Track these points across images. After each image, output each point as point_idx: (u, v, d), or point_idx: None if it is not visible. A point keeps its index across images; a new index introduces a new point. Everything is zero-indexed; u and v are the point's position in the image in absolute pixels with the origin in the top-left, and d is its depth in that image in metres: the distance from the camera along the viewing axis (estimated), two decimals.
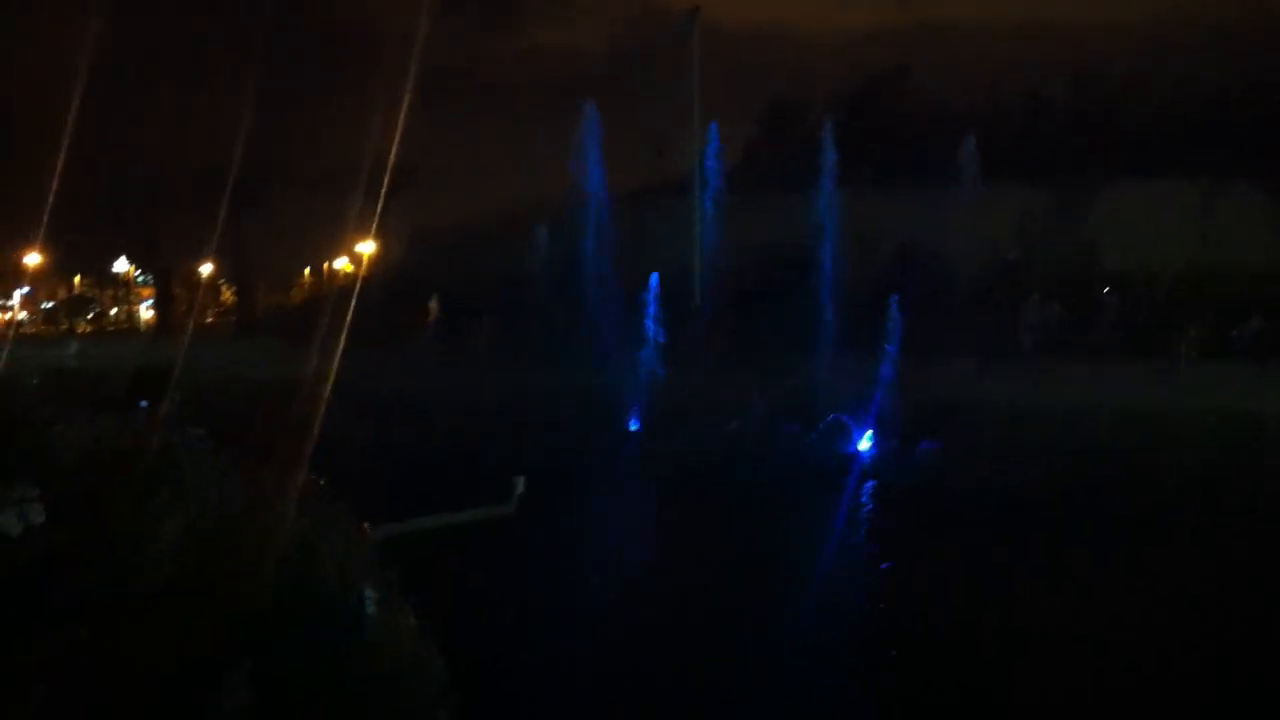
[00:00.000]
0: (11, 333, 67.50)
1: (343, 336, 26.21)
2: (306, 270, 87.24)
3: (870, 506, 22.84)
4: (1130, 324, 36.26)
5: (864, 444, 27.41)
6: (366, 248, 65.02)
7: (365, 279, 57.00)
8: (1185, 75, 52.25)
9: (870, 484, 24.55)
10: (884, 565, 17.81)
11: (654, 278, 36.41)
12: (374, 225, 58.82)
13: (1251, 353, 33.15)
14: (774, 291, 39.28)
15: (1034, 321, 36.93)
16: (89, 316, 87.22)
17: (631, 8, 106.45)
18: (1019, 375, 32.84)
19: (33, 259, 68.53)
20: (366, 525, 12.74)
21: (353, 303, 33.60)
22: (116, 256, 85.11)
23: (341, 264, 75.29)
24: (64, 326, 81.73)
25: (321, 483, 15.76)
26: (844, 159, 41.14)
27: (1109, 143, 46.49)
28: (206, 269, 72.79)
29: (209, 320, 78.56)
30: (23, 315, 78.04)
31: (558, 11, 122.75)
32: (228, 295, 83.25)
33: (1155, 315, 36.41)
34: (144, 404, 22.62)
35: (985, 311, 36.27)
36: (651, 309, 36.20)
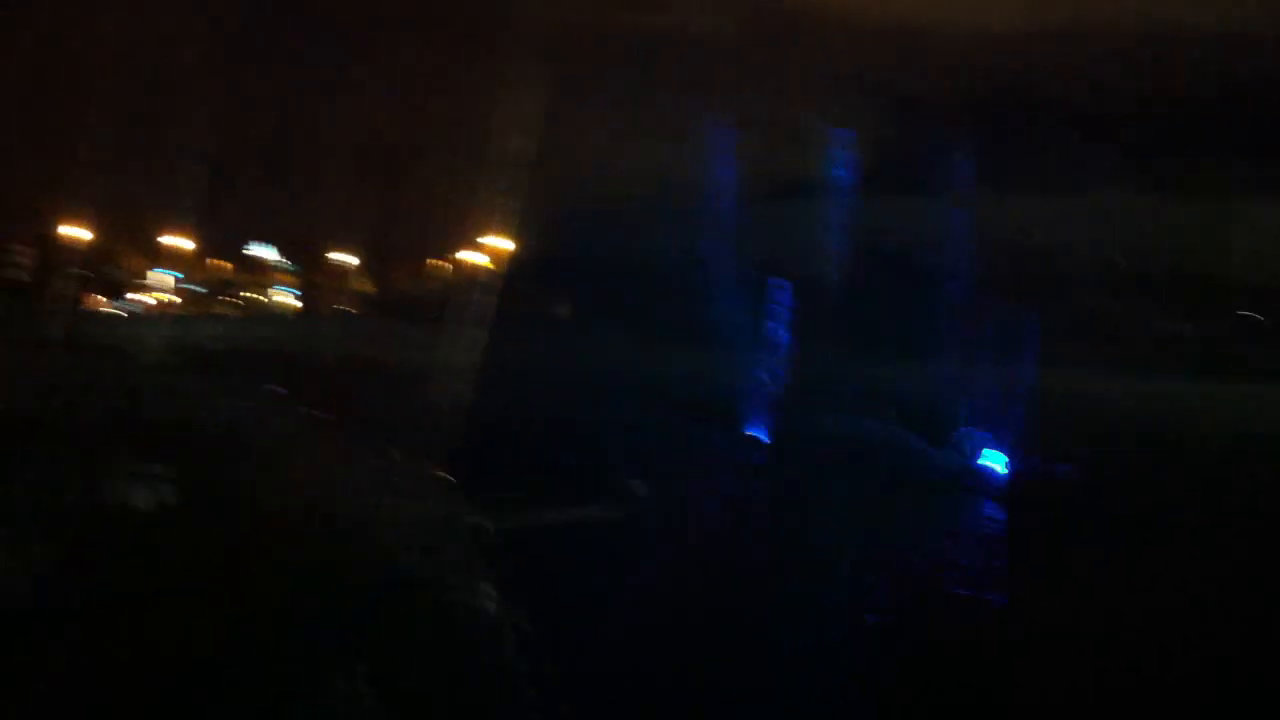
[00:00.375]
0: (159, 313, 69.77)
1: (472, 322, 26.40)
2: (440, 256, 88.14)
3: (989, 531, 22.19)
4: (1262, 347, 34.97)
5: (991, 460, 26.71)
6: (496, 236, 65.47)
7: (496, 266, 57.53)
8: None
9: (993, 502, 23.87)
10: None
11: (773, 282, 36.06)
12: (504, 213, 59.29)
13: None
14: (900, 295, 38.68)
15: (1174, 337, 35.81)
16: (231, 299, 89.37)
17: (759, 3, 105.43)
18: (1158, 394, 31.85)
19: (181, 243, 70.67)
20: (473, 519, 12.74)
21: (483, 289, 33.89)
22: (259, 241, 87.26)
23: (472, 252, 75.99)
24: (207, 308, 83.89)
25: (439, 472, 15.89)
26: (975, 162, 40.31)
27: (1255, 153, 44.79)
28: (344, 255, 74.31)
29: (344, 305, 79.98)
30: (170, 297, 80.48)
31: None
32: (363, 281, 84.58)
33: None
34: (270, 386, 23.01)
35: (1123, 324, 35.27)
36: (772, 309, 35.87)
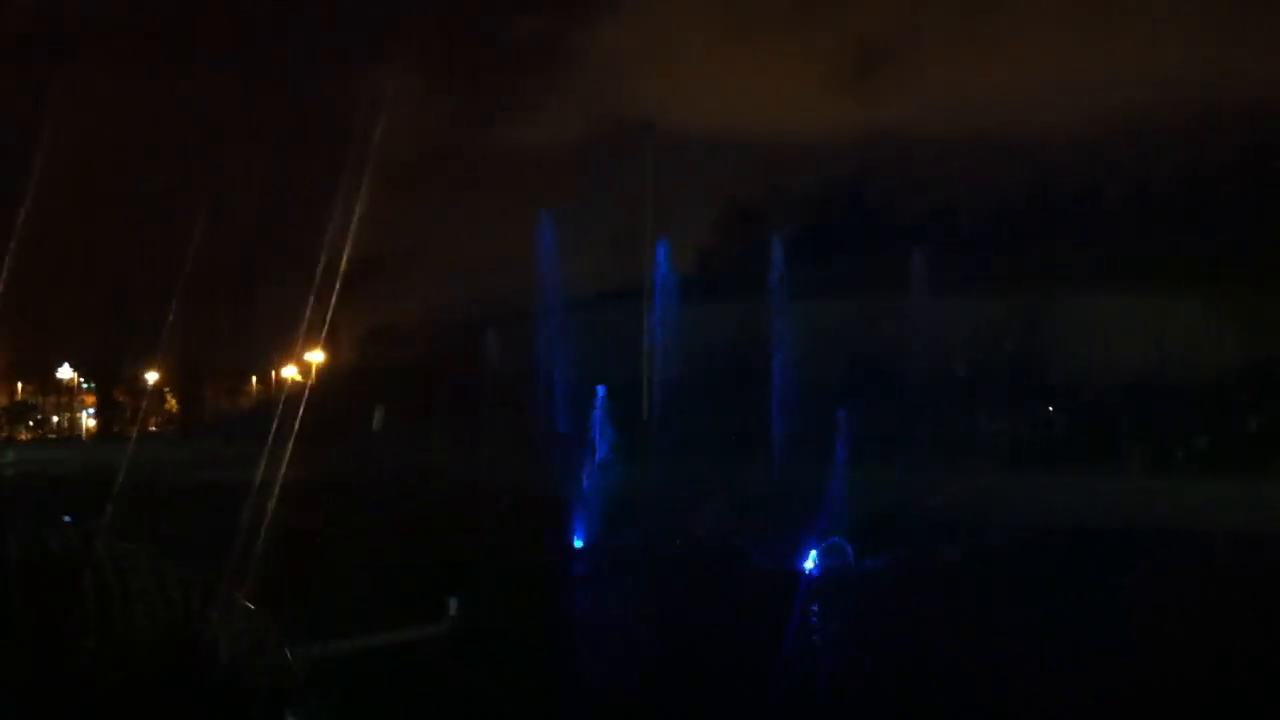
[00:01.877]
0: None
1: (289, 440, 25.62)
2: (254, 378, 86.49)
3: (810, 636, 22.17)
4: (1080, 441, 36.47)
5: (809, 564, 26.86)
6: (316, 355, 64.54)
7: (315, 385, 56.61)
8: (1137, 188, 53.40)
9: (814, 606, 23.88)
10: None
11: (600, 390, 36.15)
12: (324, 331, 58.47)
13: (1199, 469, 33.54)
14: (725, 401, 39.19)
15: (987, 434, 37.05)
16: (30, 424, 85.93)
17: (597, 116, 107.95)
18: (974, 489, 32.75)
19: None
20: (285, 645, 12.13)
21: (298, 405, 33.13)
22: (60, 363, 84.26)
23: (290, 371, 74.71)
24: (4, 434, 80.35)
25: (247, 598, 15.20)
26: (797, 267, 41.37)
27: (1062, 256, 47.17)
28: (151, 376, 72.12)
29: (152, 428, 77.51)
30: None
31: (518, 116, 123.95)
32: (172, 403, 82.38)
33: (1104, 432, 36.64)
34: (68, 518, 21.90)
35: (940, 423, 36.32)
36: (598, 417, 35.89)
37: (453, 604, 18.91)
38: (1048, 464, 35.11)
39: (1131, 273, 43.42)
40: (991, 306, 44.93)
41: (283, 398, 54.12)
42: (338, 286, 40.03)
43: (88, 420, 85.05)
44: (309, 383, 60.39)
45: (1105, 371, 40.20)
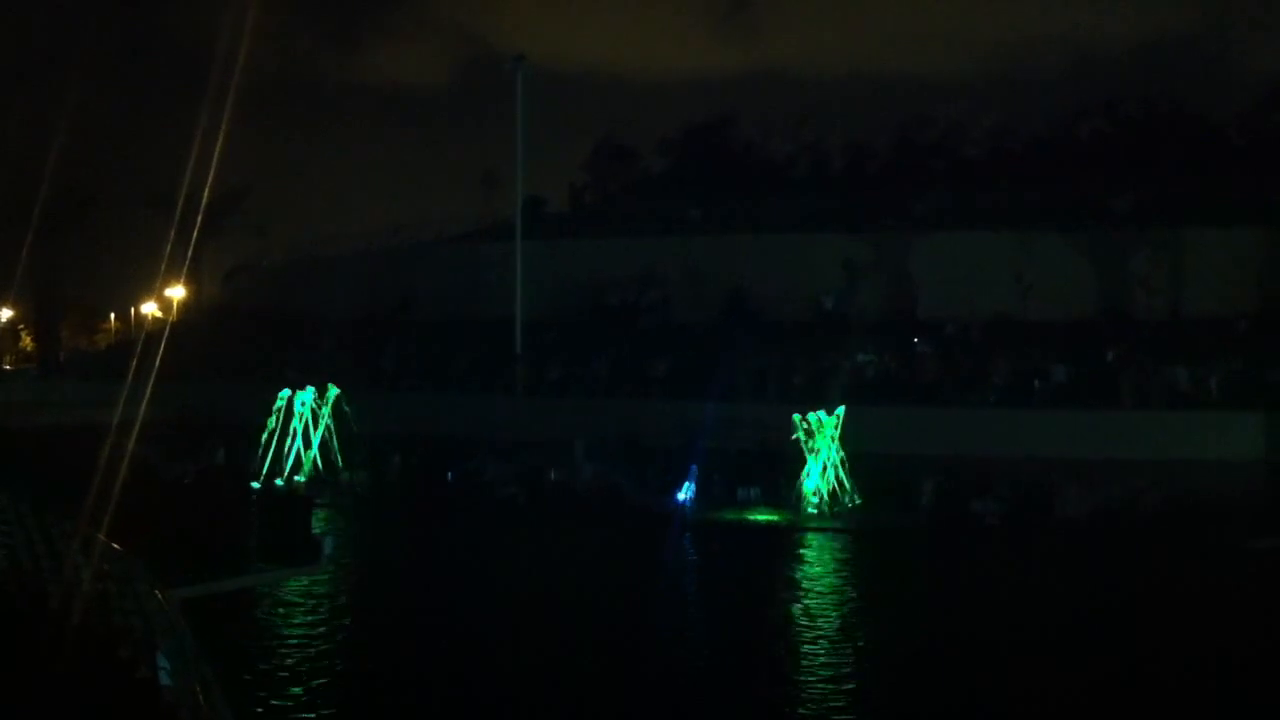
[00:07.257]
0: None
1: (150, 379, 25.03)
2: (112, 315, 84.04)
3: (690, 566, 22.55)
4: (943, 373, 37.04)
5: (683, 494, 27.14)
6: (177, 291, 62.97)
7: (175, 322, 55.35)
8: (1004, 129, 54.15)
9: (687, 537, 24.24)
10: None
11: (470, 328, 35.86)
12: (184, 268, 57.07)
13: (1055, 401, 34.47)
14: (599, 336, 39.22)
15: (852, 368, 37.47)
16: None
17: (468, 50, 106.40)
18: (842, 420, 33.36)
19: None
20: (159, 592, 11.82)
21: (161, 342, 32.42)
22: None
23: (150, 308, 72.74)
24: None
25: (115, 544, 14.79)
26: (668, 204, 41.37)
27: (927, 193, 47.65)
28: (4, 313, 69.67)
29: (6, 366, 74.95)
30: None
31: (391, 49, 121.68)
32: (27, 341, 79.64)
33: (965, 364, 37.28)
34: None
35: (806, 357, 36.73)
36: (477, 353, 35.75)
37: (328, 544, 18.70)
38: (914, 396, 35.84)
39: (994, 212, 44.18)
40: (859, 243, 45.22)
41: (142, 336, 52.57)
42: (199, 221, 39.09)
43: None
44: (170, 320, 58.91)
45: (968, 307, 40.78)
